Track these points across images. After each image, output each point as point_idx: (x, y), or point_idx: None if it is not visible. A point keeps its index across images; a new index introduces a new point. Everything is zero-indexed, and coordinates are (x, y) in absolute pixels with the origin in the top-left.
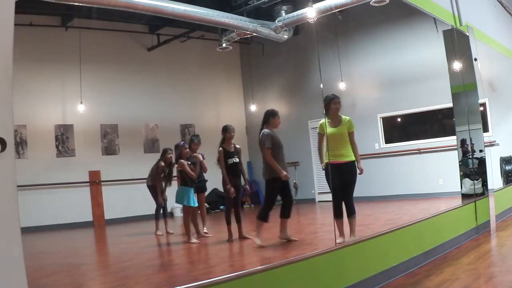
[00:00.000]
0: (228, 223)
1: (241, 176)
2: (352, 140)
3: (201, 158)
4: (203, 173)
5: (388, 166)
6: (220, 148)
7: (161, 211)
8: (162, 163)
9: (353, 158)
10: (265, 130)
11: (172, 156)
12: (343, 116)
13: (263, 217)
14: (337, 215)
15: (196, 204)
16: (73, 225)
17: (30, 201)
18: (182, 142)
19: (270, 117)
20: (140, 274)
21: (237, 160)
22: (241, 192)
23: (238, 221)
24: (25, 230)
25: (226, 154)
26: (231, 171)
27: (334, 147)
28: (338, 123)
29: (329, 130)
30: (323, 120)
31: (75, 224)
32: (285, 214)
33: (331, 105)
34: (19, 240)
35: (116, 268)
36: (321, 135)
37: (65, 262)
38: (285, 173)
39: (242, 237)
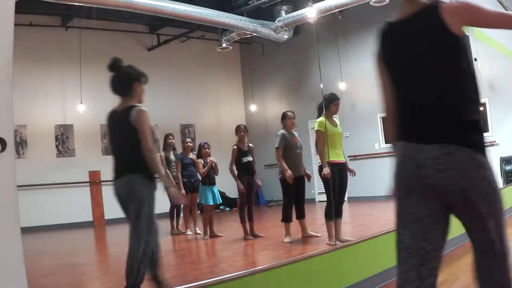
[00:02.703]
0: (243, 221)
1: (254, 175)
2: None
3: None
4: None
5: (388, 166)
6: (235, 146)
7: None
8: (162, 153)
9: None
10: (280, 131)
11: (173, 141)
12: (336, 119)
13: (284, 218)
14: (331, 216)
15: (213, 202)
16: (73, 225)
17: (30, 201)
18: (204, 142)
19: (282, 120)
20: None
21: (251, 159)
22: (253, 191)
23: (250, 220)
24: (25, 230)
25: (241, 153)
26: (245, 170)
27: (336, 146)
28: (336, 124)
29: (333, 129)
30: (321, 118)
31: (75, 224)
32: (298, 215)
33: (332, 106)
34: (19, 240)
35: (116, 268)
36: (323, 133)
37: (65, 262)
38: (289, 173)
39: (254, 235)
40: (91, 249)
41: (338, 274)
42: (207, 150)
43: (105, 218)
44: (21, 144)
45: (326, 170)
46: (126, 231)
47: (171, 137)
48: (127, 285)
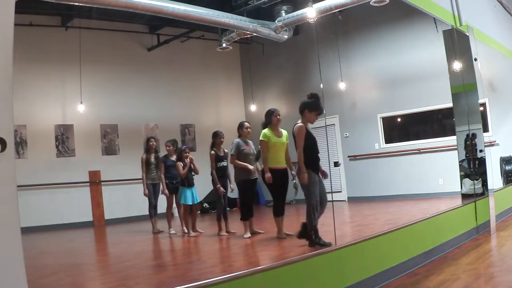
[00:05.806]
0: (219, 219)
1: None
2: (287, 150)
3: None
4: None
5: (388, 166)
6: (213, 152)
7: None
8: (144, 156)
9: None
10: (235, 140)
11: (155, 144)
12: (282, 130)
13: (242, 216)
14: (278, 214)
15: (192, 202)
16: (73, 225)
17: (30, 201)
18: (185, 146)
19: (238, 128)
20: (140, 274)
21: (226, 164)
22: (228, 192)
23: (225, 218)
24: (25, 230)
25: (217, 158)
26: (220, 173)
27: (278, 155)
28: (280, 134)
29: (275, 139)
30: (266, 130)
31: (75, 224)
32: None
33: (273, 117)
34: (19, 240)
35: (116, 268)
36: (266, 143)
37: (65, 262)
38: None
39: (228, 232)
40: (91, 249)
41: (338, 274)
42: (187, 154)
43: (105, 218)
44: (21, 144)
45: (268, 175)
46: (126, 231)
47: (152, 140)
48: (309, 227)
